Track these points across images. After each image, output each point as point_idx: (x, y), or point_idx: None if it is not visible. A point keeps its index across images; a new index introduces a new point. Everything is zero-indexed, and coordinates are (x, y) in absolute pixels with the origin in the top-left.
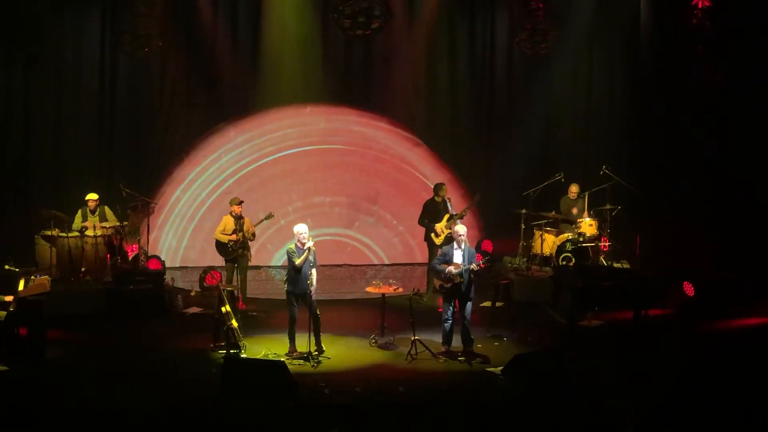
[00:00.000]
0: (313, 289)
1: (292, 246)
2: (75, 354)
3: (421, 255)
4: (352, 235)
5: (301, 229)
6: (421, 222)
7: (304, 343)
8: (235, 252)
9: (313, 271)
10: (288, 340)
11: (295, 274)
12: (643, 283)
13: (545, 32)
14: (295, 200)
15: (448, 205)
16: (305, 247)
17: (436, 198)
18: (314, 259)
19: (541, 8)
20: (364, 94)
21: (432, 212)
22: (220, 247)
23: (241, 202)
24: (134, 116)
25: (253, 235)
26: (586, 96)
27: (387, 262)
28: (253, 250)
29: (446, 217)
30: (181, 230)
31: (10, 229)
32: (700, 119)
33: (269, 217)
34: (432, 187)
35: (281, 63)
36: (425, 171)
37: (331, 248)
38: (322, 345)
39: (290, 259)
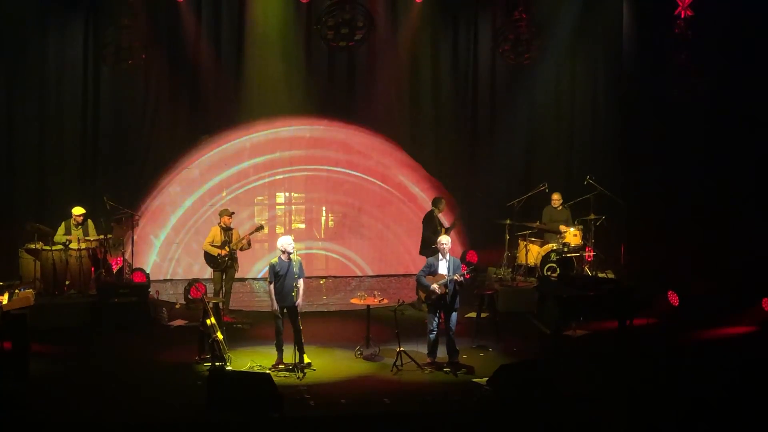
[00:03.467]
0: (299, 301)
1: (275, 260)
2: (59, 367)
3: (404, 266)
4: (337, 246)
5: (285, 241)
6: (426, 235)
7: (289, 355)
8: (224, 263)
9: (300, 282)
10: (276, 352)
11: (278, 286)
12: (627, 293)
13: (528, 43)
14: (278, 211)
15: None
16: (290, 260)
17: (436, 211)
18: (300, 270)
19: (524, 19)
20: (348, 105)
21: (434, 225)
22: (209, 258)
23: (231, 214)
24: (118, 128)
25: (249, 243)
26: (569, 106)
27: (372, 274)
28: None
29: (443, 230)
30: (166, 243)
31: None
32: (683, 128)
33: (259, 228)
34: (416, 196)
35: (265, 74)
36: (409, 182)
37: (316, 260)
38: (305, 358)
39: (270, 273)
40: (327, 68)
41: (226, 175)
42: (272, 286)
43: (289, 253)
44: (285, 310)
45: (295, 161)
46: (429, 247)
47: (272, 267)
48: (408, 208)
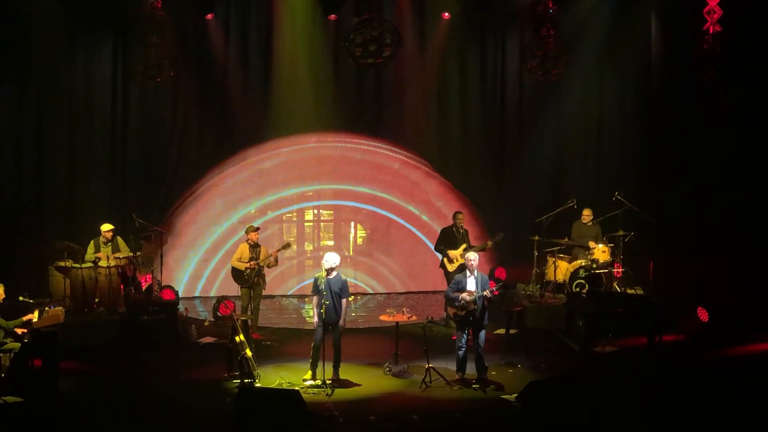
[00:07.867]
0: (341, 321)
1: (319, 273)
2: (88, 385)
3: (433, 283)
4: (365, 263)
5: (325, 257)
6: (437, 248)
7: (320, 370)
8: (251, 279)
9: (342, 302)
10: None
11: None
12: (656, 309)
13: (556, 59)
14: (307, 228)
15: (467, 236)
16: (327, 277)
17: (453, 227)
18: (341, 290)
19: (552, 35)
20: (376, 122)
21: (448, 239)
22: (237, 274)
23: (257, 229)
24: (147, 146)
25: (276, 260)
26: (597, 122)
27: (400, 290)
28: (268, 279)
29: (463, 246)
30: (195, 260)
31: (24, 261)
32: (711, 144)
33: (286, 246)
34: (445, 214)
35: (293, 92)
36: (437, 198)
37: (345, 277)
38: (339, 375)
39: (313, 285)
40: (355, 85)
41: (254, 192)
42: (315, 298)
43: (328, 270)
44: (329, 327)
45: (323, 178)
46: (443, 261)
47: (315, 280)
48: (436, 224)
